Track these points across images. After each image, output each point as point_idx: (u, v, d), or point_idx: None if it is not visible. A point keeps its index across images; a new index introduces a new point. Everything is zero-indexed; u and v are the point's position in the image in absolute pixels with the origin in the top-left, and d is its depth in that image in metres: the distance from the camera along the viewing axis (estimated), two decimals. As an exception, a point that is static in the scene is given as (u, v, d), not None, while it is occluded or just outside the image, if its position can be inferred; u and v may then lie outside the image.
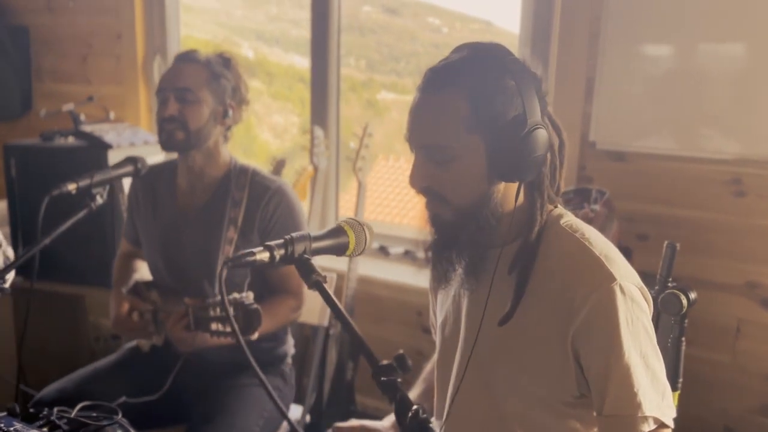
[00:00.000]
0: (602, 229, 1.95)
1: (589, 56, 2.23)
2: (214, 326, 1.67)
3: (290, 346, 2.08)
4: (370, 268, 2.68)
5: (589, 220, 1.92)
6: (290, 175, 2.79)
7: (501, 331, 1.17)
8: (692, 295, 1.43)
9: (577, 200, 2.01)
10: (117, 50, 3.23)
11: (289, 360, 2.07)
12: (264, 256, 0.98)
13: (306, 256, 1.00)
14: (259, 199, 1.87)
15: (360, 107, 3.47)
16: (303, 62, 2.89)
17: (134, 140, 2.75)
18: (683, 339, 1.46)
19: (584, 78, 2.25)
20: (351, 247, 1.07)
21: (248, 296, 1.61)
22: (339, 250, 1.07)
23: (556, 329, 1.12)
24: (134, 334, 1.91)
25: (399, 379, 0.88)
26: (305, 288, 1.99)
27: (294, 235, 1.01)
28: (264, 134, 3.87)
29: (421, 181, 1.14)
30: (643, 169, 2.20)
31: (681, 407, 1.56)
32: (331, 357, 2.50)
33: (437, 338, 1.37)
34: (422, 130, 1.14)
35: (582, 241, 1.15)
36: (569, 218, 1.20)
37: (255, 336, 1.60)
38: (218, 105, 1.85)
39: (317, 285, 0.98)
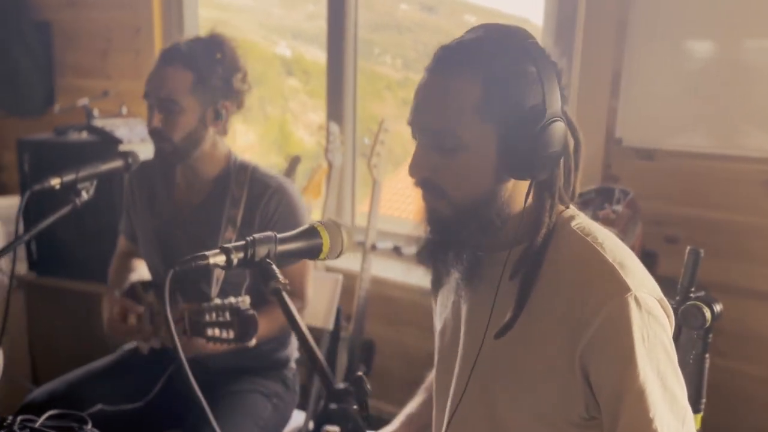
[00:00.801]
0: (625, 232, 1.82)
1: (617, 46, 2.10)
2: (210, 332, 1.60)
3: (293, 350, 1.99)
4: (383, 268, 2.58)
5: (610, 222, 1.80)
6: (307, 172, 2.72)
7: (503, 344, 1.06)
8: (717, 308, 1.29)
9: (599, 200, 1.89)
10: (136, 45, 3.21)
11: (293, 364, 1.98)
12: (219, 259, 0.90)
13: (268, 260, 0.91)
14: (259, 198, 1.78)
15: (395, 106, 3.42)
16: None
17: (145, 135, 2.69)
18: (707, 356, 1.32)
19: (610, 70, 2.12)
20: (325, 250, 0.98)
21: (244, 301, 1.53)
22: (311, 254, 0.98)
23: (562, 344, 1.01)
24: (128, 338, 1.85)
25: (354, 407, 0.78)
26: (309, 289, 1.94)
27: (256, 236, 0.92)
28: (299, 131, 3.83)
29: (421, 170, 1.04)
30: (673, 168, 2.06)
31: (711, 423, 1.43)
32: (342, 360, 2.41)
33: (436, 347, 1.26)
34: (428, 114, 1.03)
35: (594, 245, 1.03)
36: (581, 220, 1.08)
37: (253, 342, 1.52)
38: (207, 108, 1.74)
39: (275, 293, 0.89)
